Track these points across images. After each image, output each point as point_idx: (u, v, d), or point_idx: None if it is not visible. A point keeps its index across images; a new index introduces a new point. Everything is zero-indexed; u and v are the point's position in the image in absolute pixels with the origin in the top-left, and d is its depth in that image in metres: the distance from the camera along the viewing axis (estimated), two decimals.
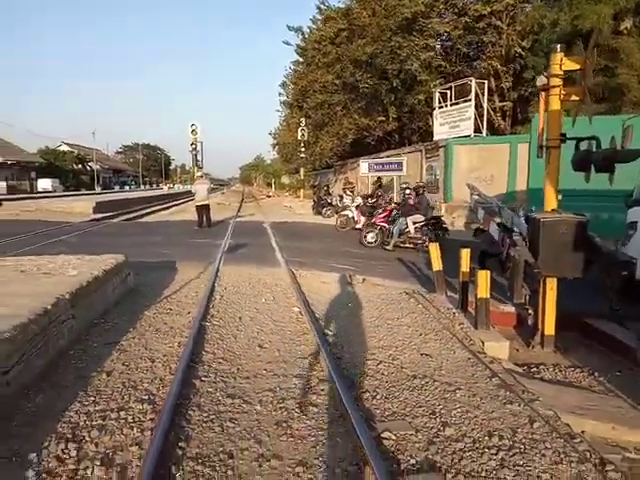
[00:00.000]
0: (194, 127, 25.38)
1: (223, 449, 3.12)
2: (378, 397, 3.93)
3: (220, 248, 10.96)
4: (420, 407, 3.78)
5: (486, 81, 20.26)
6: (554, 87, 5.43)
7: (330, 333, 5.42)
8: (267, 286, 7.47)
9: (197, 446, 3.14)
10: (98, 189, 60.71)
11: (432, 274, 7.59)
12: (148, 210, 27.53)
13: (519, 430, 3.49)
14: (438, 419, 3.61)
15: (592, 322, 6.20)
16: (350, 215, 15.95)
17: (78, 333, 5.00)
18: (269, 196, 44.38)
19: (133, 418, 3.43)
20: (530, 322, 6.19)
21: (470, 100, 19.56)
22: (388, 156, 24.30)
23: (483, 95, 20.00)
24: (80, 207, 22.84)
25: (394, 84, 24.35)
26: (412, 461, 3.07)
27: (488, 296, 5.68)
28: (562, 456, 3.18)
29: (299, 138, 29.31)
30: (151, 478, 2.66)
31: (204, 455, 3.04)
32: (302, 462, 3.00)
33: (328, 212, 20.61)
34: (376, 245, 11.94)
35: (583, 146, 5.80)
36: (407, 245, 11.59)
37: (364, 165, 21.42)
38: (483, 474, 2.97)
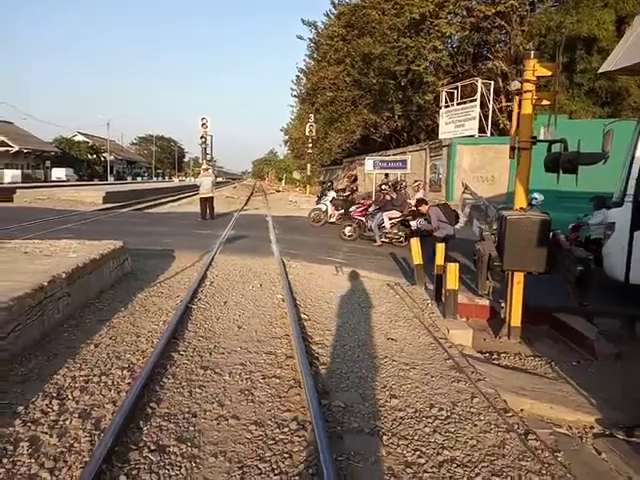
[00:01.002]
0: (204, 120, 25.82)
1: (189, 410, 3.52)
2: (337, 373, 4.32)
3: (219, 239, 11.39)
4: (374, 382, 4.17)
5: (492, 82, 20.41)
6: (527, 92, 5.73)
7: (306, 318, 5.81)
8: (257, 275, 7.89)
9: (166, 407, 3.55)
10: (111, 179, 61.69)
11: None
12: (157, 201, 28.13)
13: (459, 404, 3.86)
14: (387, 392, 3.99)
15: (560, 316, 6.51)
16: (324, 209, 15.80)
17: (73, 310, 5.45)
18: (278, 191, 44.83)
19: (112, 382, 3.86)
20: (503, 315, 6.53)
21: (476, 100, 19.77)
22: (394, 154, 24.62)
23: (489, 95, 20.17)
24: (91, 197, 23.47)
25: (402, 83, 24.61)
26: (354, 425, 3.45)
27: (457, 287, 6.02)
28: (492, 426, 3.55)
29: (307, 134, 29.69)
30: (120, 428, 3.08)
31: (171, 414, 3.45)
32: (257, 422, 3.40)
33: None
34: (354, 239, 12.27)
35: (555, 148, 6.13)
36: (384, 240, 11.91)
37: (369, 162, 21.72)
38: (416, 437, 3.35)
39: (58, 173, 54.76)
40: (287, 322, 5.54)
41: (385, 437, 3.32)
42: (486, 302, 7.00)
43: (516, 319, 6.02)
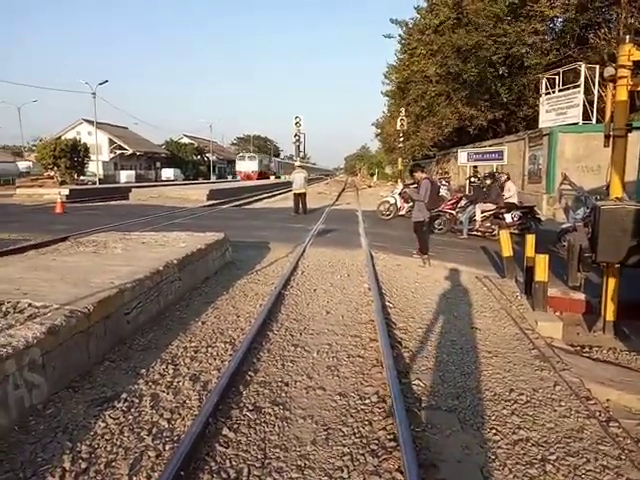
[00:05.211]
0: (298, 119, 26.56)
1: (281, 380, 3.95)
2: (418, 356, 4.53)
3: (311, 232, 11.92)
4: (454, 366, 4.33)
5: (597, 66, 19.03)
6: (622, 78, 5.51)
7: (391, 305, 6.05)
8: (345, 265, 8.24)
9: (262, 376, 4.01)
10: (213, 178, 65.55)
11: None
12: (255, 198, 29.63)
13: (540, 390, 3.92)
14: (467, 376, 4.14)
15: None
16: (392, 201, 15.72)
17: (183, 292, 6.17)
18: (370, 186, 44.90)
19: (217, 353, 4.41)
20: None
21: (579, 86, 18.60)
22: (490, 145, 23.82)
23: (594, 81, 18.86)
24: (196, 194, 25.30)
25: (500, 71, 23.75)
26: (432, 402, 3.67)
27: (546, 279, 5.92)
28: (572, 412, 3.59)
29: (398, 128, 29.56)
30: (223, 390, 3.58)
31: (266, 382, 3.90)
32: (341, 393, 3.73)
33: None
34: (443, 232, 12.20)
35: None
36: (475, 233, 11.71)
37: (463, 155, 21.23)
38: (493, 417, 3.49)
39: (167, 173, 59.38)
40: (372, 309, 5.81)
41: (461, 415, 3.50)
42: (582, 296, 6.77)
43: (610, 313, 5.81)
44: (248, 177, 55.51)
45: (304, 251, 9.36)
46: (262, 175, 58.34)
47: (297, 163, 18.87)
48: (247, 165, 58.33)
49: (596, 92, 19.05)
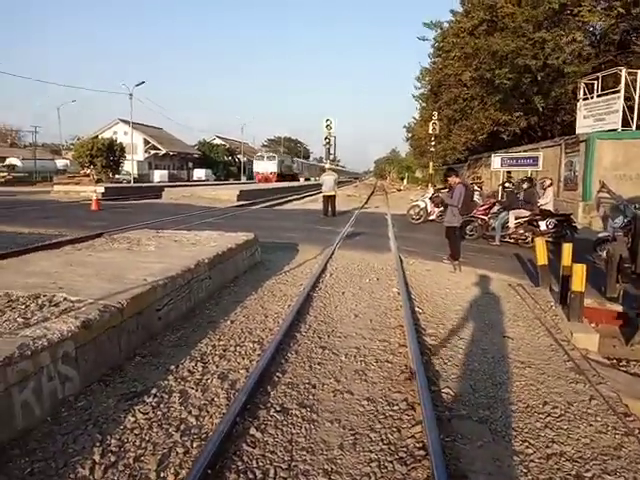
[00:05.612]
0: (329, 122, 26.55)
1: (309, 382, 3.93)
2: (448, 364, 4.44)
3: (339, 235, 11.88)
4: (485, 375, 4.23)
5: (639, 71, 18.42)
6: None
7: (420, 311, 5.96)
8: (374, 269, 8.18)
9: (289, 377, 4.00)
10: (244, 179, 66.18)
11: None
12: (284, 199, 29.80)
13: (575, 404, 3.79)
14: (499, 386, 4.03)
15: None
16: (422, 206, 15.60)
17: (213, 291, 6.23)
18: (399, 190, 44.67)
19: (245, 352, 4.43)
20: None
21: (619, 91, 18.06)
22: (525, 150, 23.41)
23: (635, 86, 18.27)
24: (227, 195, 25.58)
25: (538, 78, 23.25)
26: (463, 412, 3.59)
27: (583, 289, 5.74)
28: (609, 428, 3.46)
29: (430, 132, 29.24)
30: (251, 390, 3.58)
31: (293, 383, 3.89)
32: (369, 398, 3.69)
33: None
34: (475, 238, 12.01)
35: None
36: (507, 240, 11.48)
37: (496, 160, 20.89)
38: (526, 430, 3.39)
39: (199, 173, 60.29)
40: (401, 314, 5.74)
41: (493, 426, 3.41)
42: (619, 308, 6.54)
43: None
44: (266, 179, 51.44)
45: (333, 253, 9.34)
46: (282, 177, 54.13)
47: (327, 166, 18.94)
48: (265, 166, 53.71)
49: (637, 98, 18.46)
